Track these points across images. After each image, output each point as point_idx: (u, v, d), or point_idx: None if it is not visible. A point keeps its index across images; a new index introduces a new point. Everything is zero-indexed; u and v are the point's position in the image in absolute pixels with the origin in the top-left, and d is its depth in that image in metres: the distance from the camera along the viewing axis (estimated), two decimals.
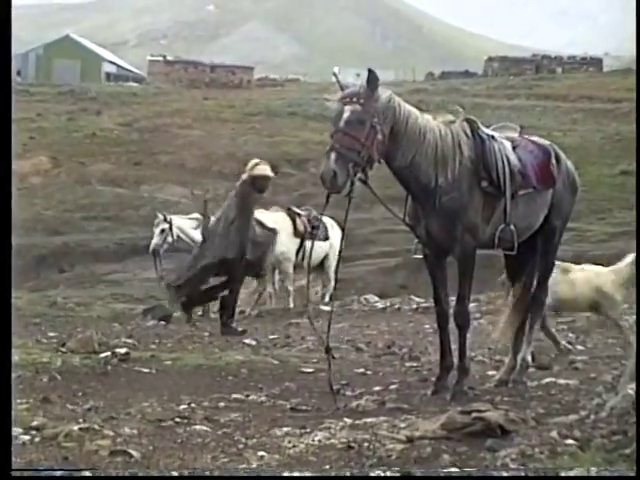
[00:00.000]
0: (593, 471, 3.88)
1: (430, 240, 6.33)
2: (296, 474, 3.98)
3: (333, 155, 5.76)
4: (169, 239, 14.16)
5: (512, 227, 6.41)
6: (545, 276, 7.03)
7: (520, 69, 61.47)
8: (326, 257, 14.30)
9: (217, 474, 4.08)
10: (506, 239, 6.46)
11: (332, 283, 14.30)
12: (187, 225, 14.27)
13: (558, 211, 6.85)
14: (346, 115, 5.86)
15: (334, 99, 6.05)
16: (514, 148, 6.55)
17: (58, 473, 3.62)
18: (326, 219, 14.04)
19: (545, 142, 6.92)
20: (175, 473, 4.06)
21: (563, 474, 3.81)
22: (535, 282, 6.99)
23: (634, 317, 8.25)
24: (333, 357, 6.46)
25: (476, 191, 6.24)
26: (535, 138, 6.96)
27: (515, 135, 6.79)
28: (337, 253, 14.30)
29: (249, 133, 37.36)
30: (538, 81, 54.54)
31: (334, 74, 6.35)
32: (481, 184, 6.25)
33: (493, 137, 6.41)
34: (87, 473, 3.70)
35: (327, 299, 14.05)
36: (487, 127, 6.67)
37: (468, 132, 6.34)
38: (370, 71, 6.01)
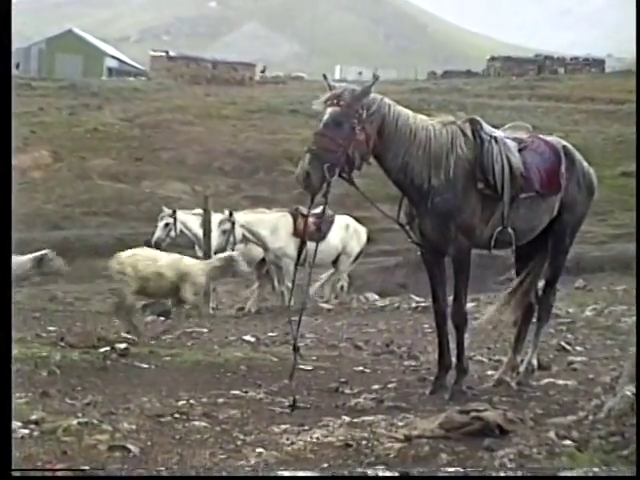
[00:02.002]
0: (592, 472, 3.88)
1: (424, 240, 6.34)
2: (294, 472, 3.98)
3: (308, 156, 5.81)
4: (172, 233, 14.17)
5: (510, 230, 6.36)
6: (553, 279, 6.94)
7: (522, 69, 61.34)
8: (338, 257, 14.18)
9: (215, 471, 4.09)
10: (504, 241, 6.44)
11: (340, 283, 14.31)
12: (192, 221, 14.28)
13: (570, 213, 6.73)
14: (325, 117, 5.93)
15: (320, 101, 6.09)
16: (522, 149, 6.46)
17: (59, 473, 3.62)
18: (342, 219, 14.06)
19: (559, 143, 6.77)
20: (175, 467, 4.07)
21: (563, 475, 3.81)
22: (543, 284, 6.96)
23: (634, 318, 8.25)
24: (300, 356, 6.52)
25: (472, 192, 6.20)
26: (550, 138, 6.84)
27: (526, 135, 6.68)
28: (352, 253, 14.35)
29: (250, 130, 37.34)
30: (540, 82, 54.44)
31: (324, 76, 6.39)
32: (477, 186, 6.23)
33: (495, 138, 6.35)
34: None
35: (333, 298, 14.08)
36: (496, 127, 6.62)
37: (468, 132, 6.30)
38: (374, 77, 6.06)
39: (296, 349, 6.22)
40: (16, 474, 3.47)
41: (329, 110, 5.92)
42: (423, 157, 6.09)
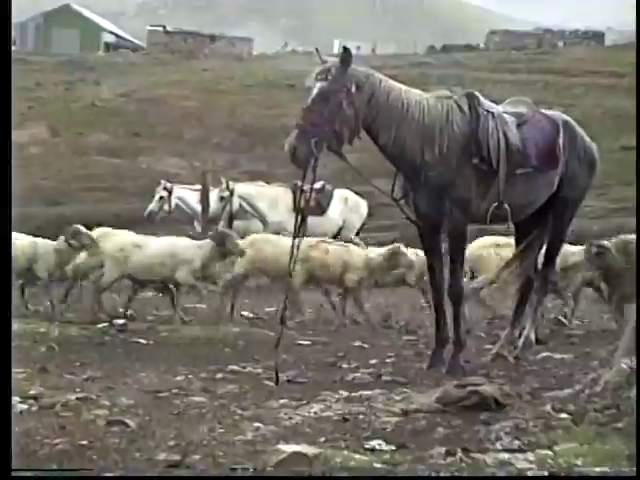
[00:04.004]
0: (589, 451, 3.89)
1: (419, 215, 6.33)
2: (292, 446, 3.99)
3: (295, 131, 5.84)
4: (165, 207, 14.13)
5: (506, 205, 6.34)
6: (553, 253, 6.95)
7: (522, 43, 60.98)
8: (338, 233, 14.10)
9: (214, 444, 4.10)
10: (500, 216, 6.42)
11: None
12: (191, 196, 14.21)
13: (571, 187, 6.71)
14: (314, 92, 5.95)
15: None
16: (521, 124, 6.41)
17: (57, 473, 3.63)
18: (341, 192, 14.00)
19: (560, 118, 6.73)
20: (172, 443, 4.08)
21: (563, 475, 3.80)
22: (543, 259, 6.96)
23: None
24: (286, 327, 6.65)
25: (467, 167, 6.18)
26: (551, 113, 6.82)
27: (527, 110, 6.62)
28: (353, 226, 14.23)
29: (248, 105, 37.16)
30: (540, 55, 54.13)
31: (316, 50, 6.38)
32: (472, 161, 6.20)
33: (492, 113, 6.30)
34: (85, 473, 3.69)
35: None
36: (496, 102, 6.57)
37: (464, 107, 6.26)
38: (344, 48, 6.06)
39: (283, 322, 6.28)
40: (16, 474, 3.48)
41: (318, 85, 5.93)
42: (416, 131, 6.06)
